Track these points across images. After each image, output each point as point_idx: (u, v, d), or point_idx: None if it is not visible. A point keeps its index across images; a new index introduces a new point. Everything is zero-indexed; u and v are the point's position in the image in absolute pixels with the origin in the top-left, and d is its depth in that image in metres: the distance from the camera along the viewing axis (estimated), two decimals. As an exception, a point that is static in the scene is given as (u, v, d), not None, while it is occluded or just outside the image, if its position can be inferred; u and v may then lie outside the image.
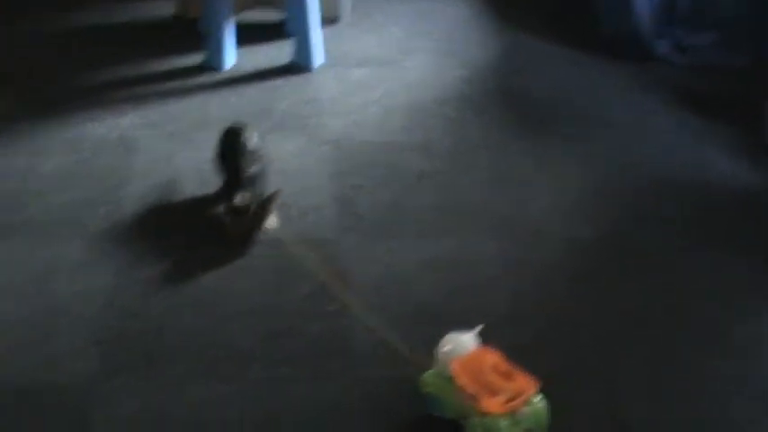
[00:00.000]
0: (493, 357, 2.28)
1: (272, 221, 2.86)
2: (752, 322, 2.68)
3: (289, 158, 3.24)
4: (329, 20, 4.14)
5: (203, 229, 2.88)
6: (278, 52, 3.92)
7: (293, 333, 2.54)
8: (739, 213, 3.14)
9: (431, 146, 3.39)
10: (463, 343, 2.29)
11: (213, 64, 3.79)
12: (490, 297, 2.70)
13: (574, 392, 2.40)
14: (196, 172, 3.14)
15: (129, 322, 2.52)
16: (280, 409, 2.31)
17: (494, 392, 2.22)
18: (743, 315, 2.71)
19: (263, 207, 2.84)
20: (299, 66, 3.83)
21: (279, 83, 3.72)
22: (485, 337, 2.34)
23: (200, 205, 2.98)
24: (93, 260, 2.74)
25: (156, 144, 3.28)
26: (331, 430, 2.27)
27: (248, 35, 3.96)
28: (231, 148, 2.97)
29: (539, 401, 2.22)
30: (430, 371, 2.32)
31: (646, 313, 2.68)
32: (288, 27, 3.99)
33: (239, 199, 2.83)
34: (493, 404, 2.16)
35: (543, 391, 2.22)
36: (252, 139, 2.97)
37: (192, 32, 4.02)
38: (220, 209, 2.86)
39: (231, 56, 3.81)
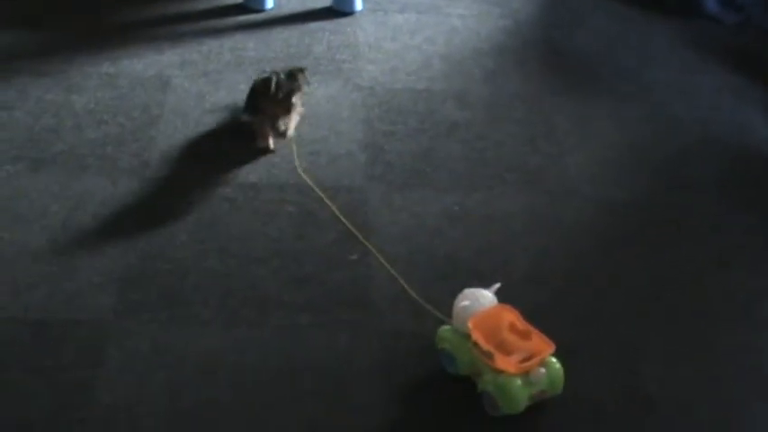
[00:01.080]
0: (511, 316, 2.27)
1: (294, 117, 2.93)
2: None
3: (322, 103, 3.21)
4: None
5: (232, 170, 2.89)
6: (319, -5, 3.88)
7: (316, 280, 2.54)
8: (778, 180, 3.08)
9: (467, 96, 3.34)
10: (481, 299, 2.28)
11: (253, 4, 3.75)
12: (514, 254, 2.67)
13: (591, 356, 2.38)
14: (227, 111, 3.13)
15: (151, 262, 2.53)
16: (297, 357, 2.31)
17: (509, 351, 2.21)
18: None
19: (291, 79, 2.88)
20: (338, 10, 3.78)
21: (317, 26, 3.67)
22: (505, 295, 2.32)
23: (230, 148, 2.98)
24: (120, 198, 2.74)
25: (191, 83, 3.27)
26: (346, 381, 2.27)
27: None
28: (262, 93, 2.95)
29: (555, 363, 2.21)
30: (446, 326, 2.31)
31: (674, 282, 2.64)
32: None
33: (260, 81, 2.89)
34: (507, 363, 2.15)
35: (561, 353, 2.20)
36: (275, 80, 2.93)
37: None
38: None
39: (271, -4, 3.78)
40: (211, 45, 3.50)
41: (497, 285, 2.33)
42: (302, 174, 2.86)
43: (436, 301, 2.46)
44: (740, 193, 3.00)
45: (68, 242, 2.57)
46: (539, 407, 2.20)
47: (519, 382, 2.15)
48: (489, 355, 2.17)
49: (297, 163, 2.89)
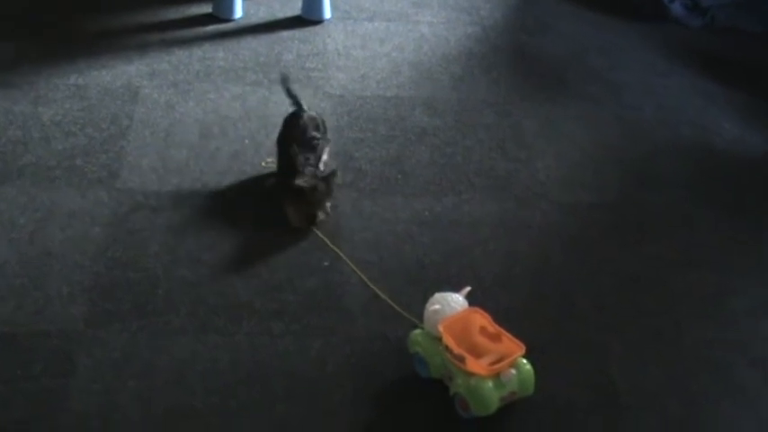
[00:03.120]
0: (481, 319, 2.28)
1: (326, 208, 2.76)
2: (750, 292, 2.66)
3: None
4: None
5: (203, 179, 2.89)
6: (287, 5, 3.88)
7: (288, 287, 2.54)
8: (745, 180, 3.11)
9: (436, 102, 3.35)
10: (451, 303, 2.29)
11: (222, 14, 3.75)
12: (485, 258, 2.68)
13: (562, 358, 2.39)
14: (195, 122, 3.13)
15: (121, 272, 2.53)
16: (269, 363, 2.32)
17: (480, 354, 2.23)
18: (741, 285, 2.69)
19: (323, 186, 2.72)
20: (308, 18, 3.79)
21: (286, 35, 3.68)
22: (475, 298, 2.34)
23: (200, 158, 2.97)
24: (89, 209, 2.73)
25: (160, 93, 3.26)
26: (319, 386, 2.27)
27: (258, -15, 3.94)
28: (290, 132, 2.85)
29: (525, 364, 2.22)
30: (418, 330, 2.32)
31: (642, 281, 2.66)
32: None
33: (299, 181, 2.68)
34: (478, 365, 2.16)
35: (531, 355, 2.22)
36: (311, 125, 2.85)
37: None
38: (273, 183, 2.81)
39: (240, 6, 3.77)
40: (180, 55, 3.50)
41: (468, 289, 2.35)
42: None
43: (407, 306, 2.47)
44: (706, 192, 3.03)
45: (37, 254, 2.56)
46: (510, 408, 2.21)
47: (490, 383, 2.16)
48: (460, 358, 2.18)
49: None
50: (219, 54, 3.52)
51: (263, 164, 2.95)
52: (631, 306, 2.58)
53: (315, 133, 2.85)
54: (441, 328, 2.21)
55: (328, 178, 2.75)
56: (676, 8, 3.99)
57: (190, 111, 3.19)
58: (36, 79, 3.29)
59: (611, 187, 3.02)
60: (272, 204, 2.79)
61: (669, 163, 3.15)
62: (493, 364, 2.18)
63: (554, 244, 2.77)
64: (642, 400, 2.30)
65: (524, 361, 2.22)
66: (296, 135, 2.82)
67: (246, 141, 3.06)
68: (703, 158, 3.20)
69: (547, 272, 2.67)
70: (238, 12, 3.77)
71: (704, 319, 2.56)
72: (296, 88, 3.13)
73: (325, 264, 2.62)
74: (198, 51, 3.53)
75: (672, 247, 2.79)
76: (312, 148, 2.81)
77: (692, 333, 2.51)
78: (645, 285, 2.65)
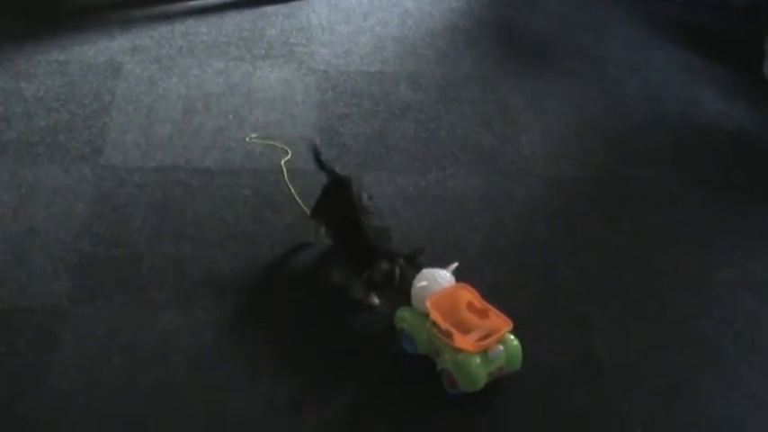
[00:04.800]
0: (468, 295, 2.28)
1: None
2: (734, 267, 2.67)
3: (275, 87, 3.19)
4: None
5: (187, 155, 2.87)
6: (271, -22, 3.85)
7: (272, 263, 2.53)
8: (731, 154, 3.12)
9: (420, 77, 3.34)
10: (439, 279, 2.28)
11: (204, -12, 3.73)
12: (470, 233, 2.68)
13: (549, 333, 2.40)
14: (178, 98, 3.10)
15: (105, 248, 2.51)
16: (254, 338, 2.31)
17: (467, 330, 2.22)
18: (725, 259, 2.70)
19: (410, 266, 2.35)
20: (291, -7, 3.77)
21: (270, 10, 3.65)
22: (461, 273, 2.33)
23: (183, 133, 2.95)
24: (73, 185, 2.71)
25: (143, 69, 3.23)
26: (304, 361, 2.27)
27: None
28: (345, 201, 2.50)
29: (512, 340, 2.22)
30: (405, 307, 2.31)
31: (626, 254, 2.67)
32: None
33: (380, 273, 2.32)
34: (465, 341, 2.16)
35: (518, 330, 2.22)
36: (364, 193, 2.53)
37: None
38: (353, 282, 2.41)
39: (222, -20, 3.74)
40: (163, 30, 3.47)
41: (455, 265, 2.34)
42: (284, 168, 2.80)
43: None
44: (691, 167, 3.04)
45: (20, 230, 2.54)
46: (497, 382, 2.21)
47: (477, 359, 2.16)
48: (448, 334, 2.17)
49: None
50: (202, 29, 3.49)
51: (248, 139, 2.93)
52: (615, 279, 2.58)
53: (367, 200, 2.49)
54: (428, 304, 2.21)
55: (415, 257, 2.37)
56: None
57: (173, 86, 3.16)
58: (17, 55, 3.25)
59: (596, 162, 3.02)
60: (257, 180, 2.78)
61: (653, 138, 3.15)
62: (480, 339, 2.18)
63: (538, 218, 2.77)
64: (626, 374, 2.31)
65: (512, 337, 2.22)
66: (352, 202, 2.47)
67: (230, 116, 3.04)
68: (687, 133, 3.20)
69: (531, 245, 2.67)
70: (221, -14, 3.74)
71: (688, 294, 2.57)
72: (280, 63, 3.12)
73: (311, 239, 2.61)
74: (181, 27, 3.50)
75: (655, 221, 2.80)
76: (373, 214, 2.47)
77: (675, 307, 2.52)
78: (628, 259, 2.65)
